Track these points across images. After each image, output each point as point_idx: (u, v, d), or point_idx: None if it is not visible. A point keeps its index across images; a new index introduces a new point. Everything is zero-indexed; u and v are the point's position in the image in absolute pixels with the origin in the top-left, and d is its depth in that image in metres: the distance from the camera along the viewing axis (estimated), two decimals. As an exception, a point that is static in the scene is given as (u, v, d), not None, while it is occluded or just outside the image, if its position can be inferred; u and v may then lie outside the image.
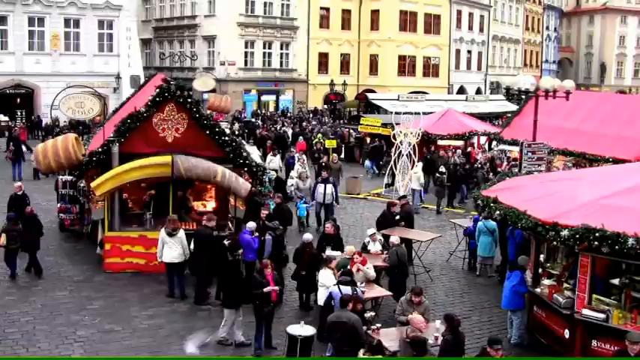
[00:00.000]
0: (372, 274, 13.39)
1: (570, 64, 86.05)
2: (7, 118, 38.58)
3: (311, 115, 49.03)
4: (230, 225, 16.97)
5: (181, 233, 14.39)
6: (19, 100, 40.38)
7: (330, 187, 20.75)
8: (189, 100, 16.05)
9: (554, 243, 11.41)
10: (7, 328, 12.54)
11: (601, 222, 10.30)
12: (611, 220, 10.31)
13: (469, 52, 64.24)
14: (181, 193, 16.97)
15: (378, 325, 11.08)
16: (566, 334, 11.31)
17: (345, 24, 56.37)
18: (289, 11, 52.69)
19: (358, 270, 12.96)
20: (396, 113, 27.84)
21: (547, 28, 78.27)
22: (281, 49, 52.80)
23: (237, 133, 33.00)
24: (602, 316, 10.80)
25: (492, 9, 66.30)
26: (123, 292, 14.70)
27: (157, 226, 16.25)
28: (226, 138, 16.63)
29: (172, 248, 14.25)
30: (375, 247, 15.21)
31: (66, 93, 24.44)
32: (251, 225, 14.68)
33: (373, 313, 12.10)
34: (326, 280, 12.40)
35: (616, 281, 11.38)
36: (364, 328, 10.68)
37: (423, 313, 11.13)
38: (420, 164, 24.46)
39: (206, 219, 14.70)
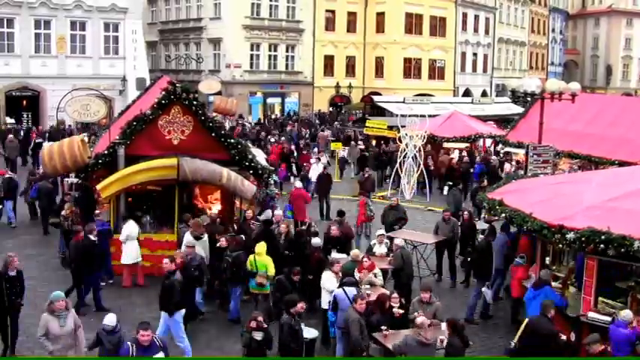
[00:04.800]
0: (379, 282, 13.31)
1: (576, 66, 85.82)
2: (13, 121, 38.68)
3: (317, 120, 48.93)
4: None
5: (205, 237, 14.38)
6: (25, 102, 40.51)
7: None
8: (194, 102, 16.08)
9: (560, 246, 11.40)
10: (13, 329, 12.55)
11: (607, 225, 10.28)
12: (617, 223, 10.29)
13: (475, 54, 64.08)
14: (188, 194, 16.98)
15: (383, 327, 11.05)
16: (572, 337, 11.28)
17: (351, 26, 56.23)
18: (295, 14, 52.68)
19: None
20: (402, 116, 27.83)
21: (553, 30, 78.10)
22: (286, 51, 52.76)
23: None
24: (608, 319, 10.78)
25: (498, 11, 66.15)
26: (129, 294, 14.77)
27: (161, 228, 16.30)
28: (232, 140, 16.65)
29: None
30: (380, 249, 15.18)
31: (72, 95, 24.45)
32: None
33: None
34: (328, 284, 12.27)
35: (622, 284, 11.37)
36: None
37: (434, 313, 11.08)
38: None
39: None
